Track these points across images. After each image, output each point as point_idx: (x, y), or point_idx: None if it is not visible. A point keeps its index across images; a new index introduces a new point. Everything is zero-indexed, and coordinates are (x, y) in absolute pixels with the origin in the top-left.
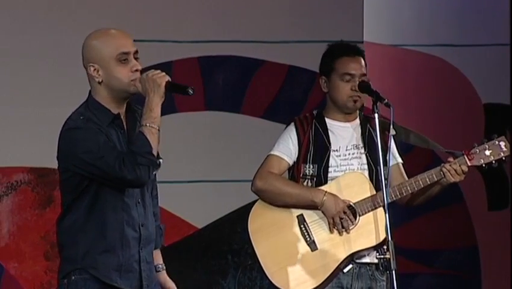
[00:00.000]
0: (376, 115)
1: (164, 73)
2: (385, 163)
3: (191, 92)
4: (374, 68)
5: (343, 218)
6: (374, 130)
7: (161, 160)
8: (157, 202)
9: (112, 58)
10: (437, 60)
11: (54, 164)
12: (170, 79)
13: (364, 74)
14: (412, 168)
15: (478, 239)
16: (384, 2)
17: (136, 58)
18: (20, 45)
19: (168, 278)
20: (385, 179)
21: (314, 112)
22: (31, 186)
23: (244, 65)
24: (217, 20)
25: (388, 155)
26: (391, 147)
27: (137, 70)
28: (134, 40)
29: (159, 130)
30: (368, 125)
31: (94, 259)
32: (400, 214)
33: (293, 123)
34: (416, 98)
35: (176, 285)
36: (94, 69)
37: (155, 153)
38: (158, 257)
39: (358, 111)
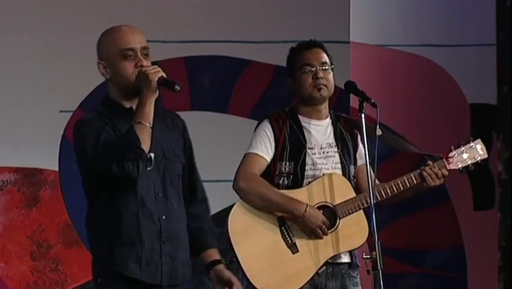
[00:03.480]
0: (363, 115)
1: (158, 68)
2: (355, 162)
3: (179, 88)
4: (360, 68)
5: (321, 229)
6: (345, 129)
7: (152, 154)
8: (206, 206)
9: (117, 55)
10: (423, 60)
11: (40, 164)
12: (164, 75)
13: (324, 63)
14: (396, 170)
15: (464, 239)
16: (370, 2)
17: (145, 55)
18: (6, 45)
19: (227, 271)
20: (372, 180)
21: (287, 109)
22: (17, 186)
23: (231, 65)
24: (204, 20)
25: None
26: (360, 147)
27: (141, 66)
28: None
29: (151, 126)
30: (339, 124)
31: (112, 254)
32: (386, 214)
33: (267, 120)
34: (402, 98)
35: None
36: (103, 66)
37: (145, 148)
38: (213, 255)
39: (328, 109)
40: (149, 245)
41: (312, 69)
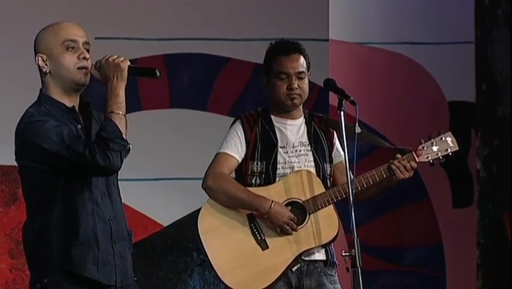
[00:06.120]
0: (342, 113)
1: (123, 57)
2: (331, 160)
3: (159, 74)
4: (339, 66)
5: (289, 226)
6: (320, 128)
7: (130, 145)
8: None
9: (59, 45)
10: (402, 58)
11: None
12: (130, 63)
13: (301, 72)
14: (376, 167)
15: (443, 236)
16: (349, 0)
17: (87, 50)
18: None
19: None
20: (351, 176)
21: (259, 109)
22: None
23: (210, 63)
24: (183, 18)
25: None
26: (336, 143)
27: (84, 58)
28: (100, 38)
29: (125, 115)
30: (313, 122)
31: (70, 255)
32: (366, 211)
33: (239, 121)
34: (381, 96)
35: (141, 283)
36: (42, 59)
37: (125, 138)
38: None
39: (302, 108)
40: (104, 246)
41: (288, 78)
